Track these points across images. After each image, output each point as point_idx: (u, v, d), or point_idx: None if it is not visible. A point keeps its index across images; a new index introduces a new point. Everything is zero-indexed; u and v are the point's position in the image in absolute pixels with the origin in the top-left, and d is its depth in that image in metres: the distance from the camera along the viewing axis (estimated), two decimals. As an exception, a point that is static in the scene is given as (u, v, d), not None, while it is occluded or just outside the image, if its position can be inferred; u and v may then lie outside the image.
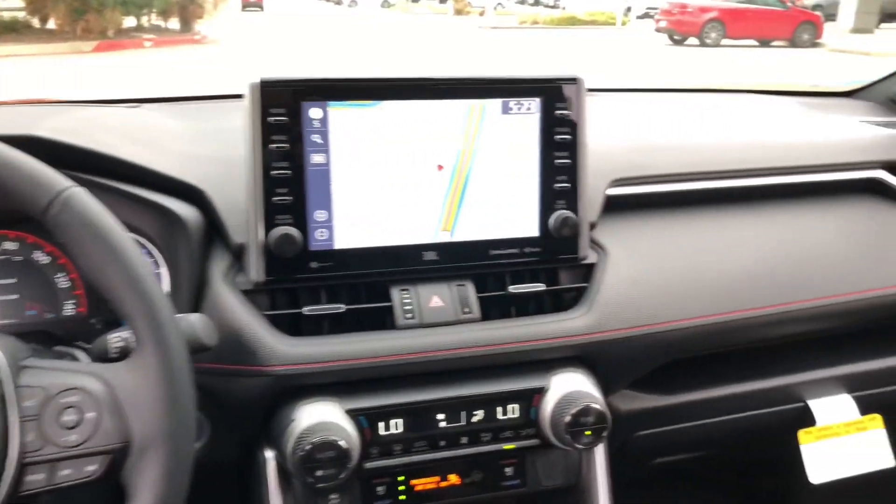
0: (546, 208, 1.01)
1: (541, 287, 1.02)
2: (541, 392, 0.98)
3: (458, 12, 29.28)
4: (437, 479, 1.00)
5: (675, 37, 17.73)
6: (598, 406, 0.95)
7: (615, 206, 1.12)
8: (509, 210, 1.00)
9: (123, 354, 0.75)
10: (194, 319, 0.78)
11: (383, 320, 0.96)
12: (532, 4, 32.05)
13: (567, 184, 1.01)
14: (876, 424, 1.26)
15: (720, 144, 1.26)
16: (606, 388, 1.04)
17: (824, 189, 1.26)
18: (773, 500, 1.68)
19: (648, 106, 1.56)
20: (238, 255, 0.95)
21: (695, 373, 1.18)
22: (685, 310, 1.06)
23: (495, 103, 0.98)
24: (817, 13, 17.41)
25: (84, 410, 0.66)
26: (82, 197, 0.69)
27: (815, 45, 16.84)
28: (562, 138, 1.01)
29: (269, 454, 0.94)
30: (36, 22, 11.41)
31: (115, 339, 0.76)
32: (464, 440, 0.96)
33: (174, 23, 14.02)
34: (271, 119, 0.90)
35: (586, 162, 1.02)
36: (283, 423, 0.90)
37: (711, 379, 1.19)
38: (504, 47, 14.78)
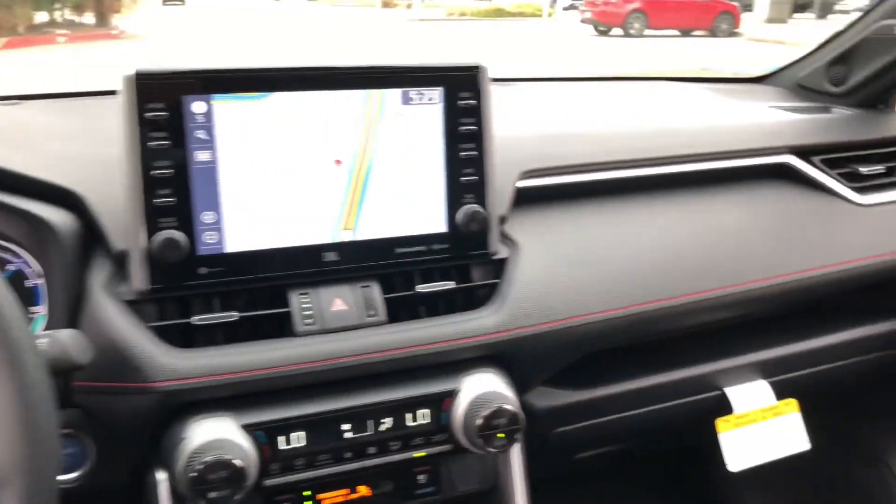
0: (453, 203, 0.97)
1: (450, 285, 0.97)
2: (452, 395, 0.94)
3: (386, 5, 29.11)
4: (345, 491, 0.95)
5: (600, 28, 18.05)
6: (510, 407, 0.92)
7: (526, 199, 1.08)
8: (415, 205, 0.95)
9: None
10: (64, 336, 0.71)
11: (282, 327, 0.90)
12: (460, -4, 32.08)
13: (474, 176, 0.97)
14: (791, 409, 1.27)
15: (632, 132, 1.24)
16: (522, 386, 1.01)
17: (735, 175, 1.25)
18: (697, 487, 1.69)
19: (561, 96, 1.53)
20: (120, 262, 0.88)
21: (613, 366, 1.16)
22: (599, 303, 1.04)
23: (395, 93, 0.93)
24: (735, 3, 17.95)
25: None
26: None
27: (733, 34, 17.39)
28: (467, 129, 0.96)
29: (161, 476, 0.87)
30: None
31: None
32: (371, 450, 0.91)
33: (89, 17, 13.52)
34: (149, 115, 0.83)
35: (493, 153, 0.98)
36: (173, 443, 0.84)
37: (629, 371, 1.17)
38: (431, 39, 14.74)
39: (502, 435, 0.91)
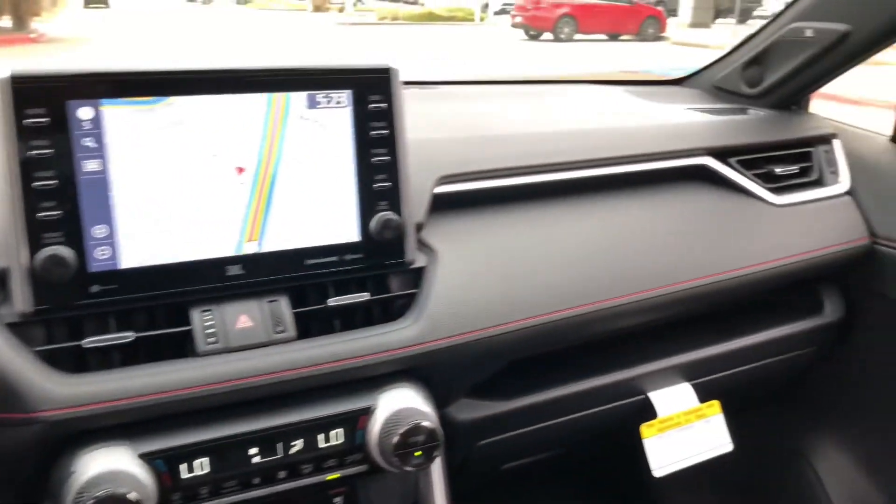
0: (366, 210, 0.93)
1: (364, 297, 0.93)
2: (367, 413, 0.89)
3: (318, 8, 28.84)
4: None
5: (531, 32, 18.28)
6: (428, 423, 0.88)
7: (446, 205, 1.05)
8: (325, 214, 0.91)
9: None
10: None
11: (184, 347, 0.84)
12: (392, 0, 31.99)
13: (387, 182, 0.93)
14: (714, 411, 1.27)
15: (552, 135, 1.22)
16: (443, 399, 0.97)
17: (656, 178, 1.25)
18: (627, 490, 1.69)
19: (483, 99, 1.51)
20: (1, 282, 0.81)
21: (536, 374, 1.14)
22: (520, 310, 1.01)
23: (300, 96, 0.88)
24: (660, 9, 18.43)
25: None
26: None
27: (659, 38, 17.87)
28: (378, 133, 0.92)
29: None
30: None
31: None
32: (282, 474, 0.86)
33: (6, 21, 12.96)
34: (29, 122, 0.77)
35: (406, 158, 0.94)
36: (62, 476, 0.77)
37: (552, 379, 1.15)
38: (361, 44, 14.65)
39: (419, 453, 0.88)
